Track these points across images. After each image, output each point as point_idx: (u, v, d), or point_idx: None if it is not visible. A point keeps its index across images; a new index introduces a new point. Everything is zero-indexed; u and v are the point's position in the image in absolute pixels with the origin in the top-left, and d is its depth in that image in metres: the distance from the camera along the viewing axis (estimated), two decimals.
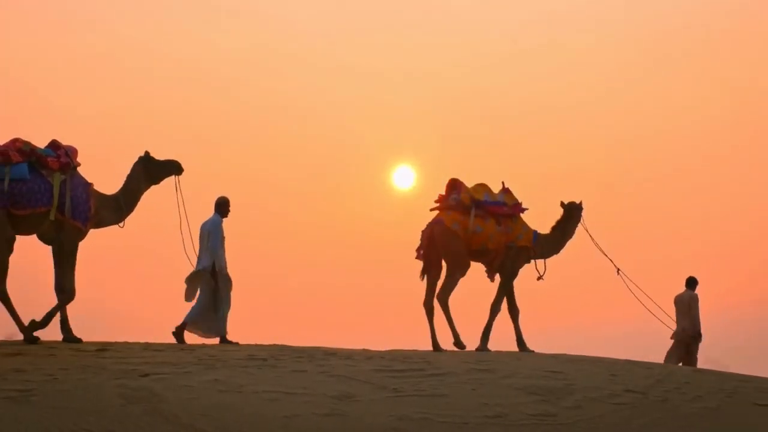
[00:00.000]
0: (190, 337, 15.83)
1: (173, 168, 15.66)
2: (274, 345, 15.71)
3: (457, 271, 16.90)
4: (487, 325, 17.17)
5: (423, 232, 17.09)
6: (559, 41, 41.91)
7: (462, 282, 16.93)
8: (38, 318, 14.51)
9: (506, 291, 17.31)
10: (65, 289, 14.57)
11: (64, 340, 14.60)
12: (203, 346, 15.21)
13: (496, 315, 17.22)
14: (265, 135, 39.77)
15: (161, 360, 12.66)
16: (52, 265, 14.68)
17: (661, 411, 12.02)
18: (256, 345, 15.66)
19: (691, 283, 20.11)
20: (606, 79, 41.87)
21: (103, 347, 13.88)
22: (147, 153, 15.51)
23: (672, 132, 41.14)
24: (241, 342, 16.14)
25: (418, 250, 17.06)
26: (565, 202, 17.96)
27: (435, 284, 16.91)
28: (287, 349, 14.70)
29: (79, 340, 14.63)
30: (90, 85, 38.31)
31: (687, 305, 19.88)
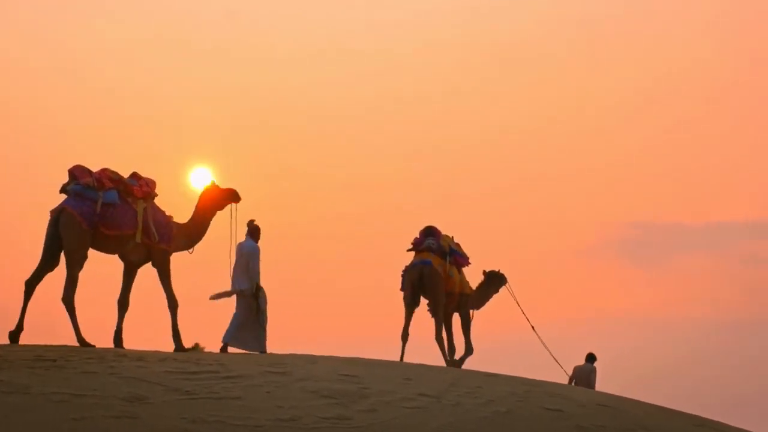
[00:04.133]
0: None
1: (234, 196, 16.87)
2: (64, 345, 15.34)
3: (440, 310, 19.13)
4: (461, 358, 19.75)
5: (407, 269, 19.22)
6: (348, 45, 42.30)
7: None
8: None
9: (469, 328, 19.90)
10: (171, 301, 16.07)
11: (177, 348, 15.86)
12: None
13: (470, 354, 19.84)
14: (56, 134, 39.05)
15: None
16: (123, 279, 16.12)
17: (454, 415, 12.14)
18: (45, 345, 15.25)
19: (591, 358, 22.29)
20: (401, 84, 42.41)
21: None
22: (213, 182, 16.89)
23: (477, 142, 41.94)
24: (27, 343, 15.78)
25: (403, 285, 19.21)
26: (487, 270, 20.22)
27: (412, 316, 19.13)
28: (77, 350, 14.37)
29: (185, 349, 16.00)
30: None
31: (587, 375, 22.04)
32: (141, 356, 13.87)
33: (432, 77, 43.08)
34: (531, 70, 43.22)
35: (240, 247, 17.34)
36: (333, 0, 43.82)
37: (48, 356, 13.16)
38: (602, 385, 21.83)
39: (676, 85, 43.99)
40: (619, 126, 43.57)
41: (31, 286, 15.50)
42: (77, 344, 15.76)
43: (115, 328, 15.94)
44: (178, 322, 16.11)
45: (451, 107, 42.66)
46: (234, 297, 17.39)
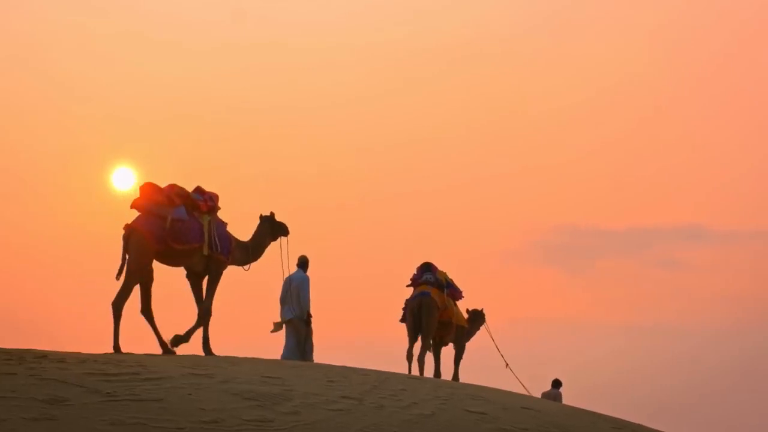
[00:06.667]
0: None
1: (285, 230, 17.91)
2: None
3: (430, 335, 21.07)
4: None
5: (408, 301, 21.16)
6: (282, 40, 42.24)
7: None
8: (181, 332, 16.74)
9: (459, 362, 22.19)
10: (205, 310, 16.69)
11: (206, 354, 16.51)
12: None
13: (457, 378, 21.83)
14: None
15: None
16: (192, 292, 16.84)
17: (377, 417, 12.12)
18: None
19: (557, 384, 24.54)
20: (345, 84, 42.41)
21: None
22: (272, 213, 17.76)
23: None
24: None
25: (404, 316, 21.21)
26: (470, 309, 22.65)
27: (416, 341, 21.00)
28: None
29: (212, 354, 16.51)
30: None
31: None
32: (62, 357, 13.70)
33: (356, 78, 43.12)
34: (457, 73, 43.43)
35: (290, 279, 18.76)
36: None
37: None
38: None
39: (600, 93, 44.48)
40: (543, 131, 43.91)
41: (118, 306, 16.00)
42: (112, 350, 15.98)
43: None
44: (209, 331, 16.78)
45: (378, 108, 42.73)
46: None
